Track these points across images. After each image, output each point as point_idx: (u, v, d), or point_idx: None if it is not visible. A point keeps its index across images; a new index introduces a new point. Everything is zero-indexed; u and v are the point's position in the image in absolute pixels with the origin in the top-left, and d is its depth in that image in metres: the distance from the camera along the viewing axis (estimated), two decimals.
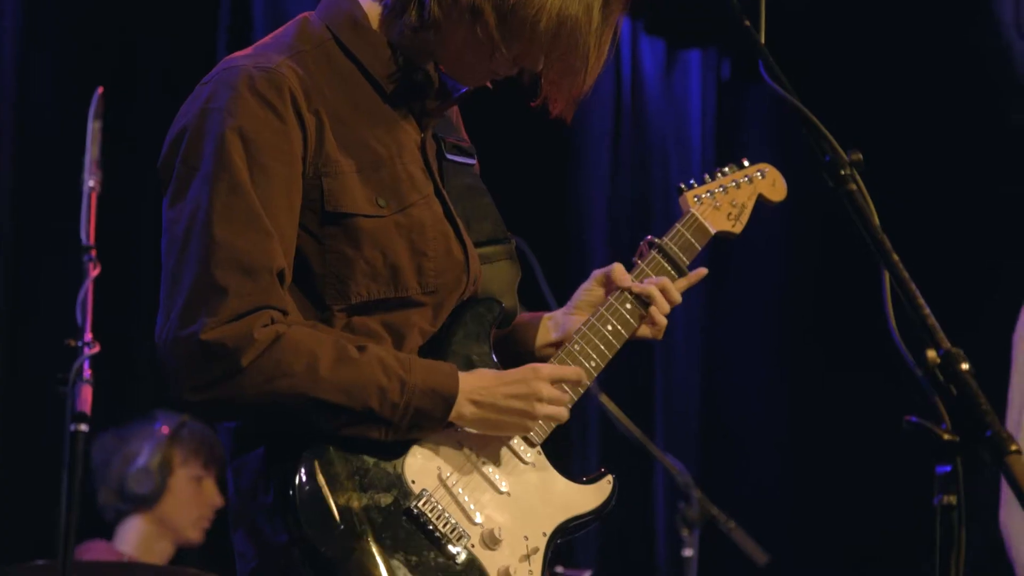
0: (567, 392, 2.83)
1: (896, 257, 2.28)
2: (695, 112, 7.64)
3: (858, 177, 2.37)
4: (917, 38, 6.98)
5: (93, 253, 4.33)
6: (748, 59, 2.55)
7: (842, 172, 2.37)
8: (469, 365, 2.79)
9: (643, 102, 7.47)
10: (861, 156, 2.40)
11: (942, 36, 6.92)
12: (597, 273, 3.09)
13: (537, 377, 2.78)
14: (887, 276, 2.28)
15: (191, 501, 5.39)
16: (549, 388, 2.78)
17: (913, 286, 2.24)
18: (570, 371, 2.84)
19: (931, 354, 2.16)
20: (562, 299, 5.16)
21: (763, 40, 2.53)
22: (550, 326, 3.08)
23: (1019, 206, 6.66)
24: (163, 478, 5.33)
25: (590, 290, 3.08)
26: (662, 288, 3.02)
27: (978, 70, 6.90)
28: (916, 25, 6.93)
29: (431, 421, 2.69)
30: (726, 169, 3.27)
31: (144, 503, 5.34)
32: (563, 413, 2.81)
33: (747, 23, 2.54)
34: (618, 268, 3.06)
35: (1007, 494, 4.19)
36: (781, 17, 2.92)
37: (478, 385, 2.73)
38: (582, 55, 2.75)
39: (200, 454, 5.40)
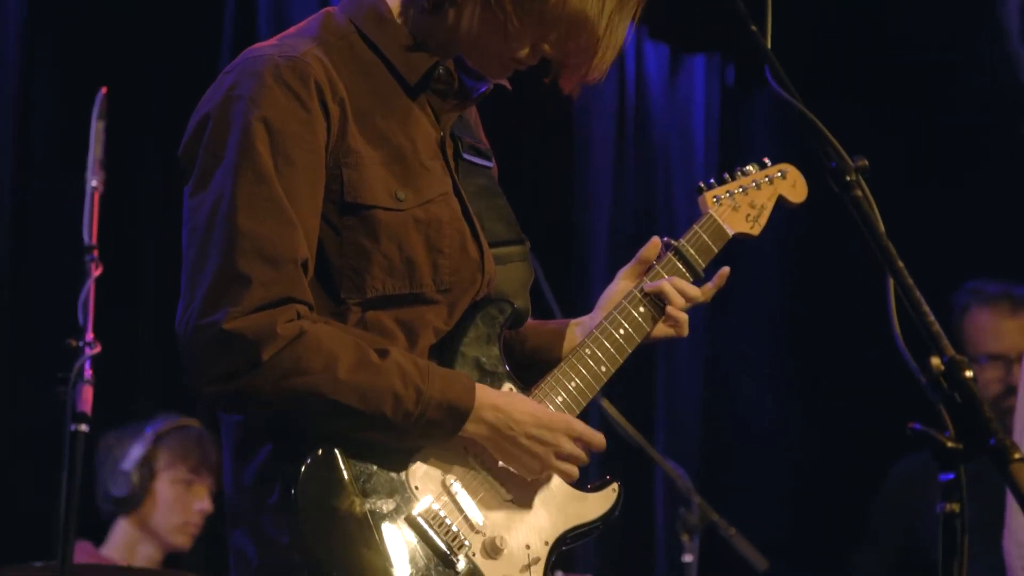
0: (584, 455, 2.78)
1: (901, 264, 2.27)
2: (699, 117, 7.62)
3: (863, 183, 2.36)
4: (924, 44, 6.97)
5: (95, 253, 4.31)
6: (752, 65, 2.53)
7: (847, 178, 2.36)
8: (478, 368, 2.77)
9: (647, 107, 7.45)
10: (867, 162, 2.39)
11: (951, 45, 6.92)
12: (622, 271, 3.06)
13: (568, 432, 2.74)
14: (891, 283, 2.27)
15: (174, 506, 5.27)
16: (572, 446, 2.75)
17: (917, 293, 2.24)
18: (599, 439, 2.80)
19: (935, 361, 2.16)
20: (564, 304, 5.20)
21: (769, 45, 2.52)
22: (578, 332, 3.03)
23: None
24: (143, 481, 5.24)
25: (615, 289, 3.04)
26: (677, 287, 2.97)
27: (988, 80, 6.88)
28: (924, 30, 6.92)
29: (442, 432, 2.67)
30: (748, 168, 3.20)
31: (124, 506, 5.25)
32: (575, 472, 2.78)
33: (753, 28, 2.54)
34: (641, 252, 3.03)
35: (1012, 517, 4.14)
36: (789, 23, 2.91)
37: (508, 414, 2.70)
38: (593, 33, 2.73)
39: (188, 459, 5.28)
